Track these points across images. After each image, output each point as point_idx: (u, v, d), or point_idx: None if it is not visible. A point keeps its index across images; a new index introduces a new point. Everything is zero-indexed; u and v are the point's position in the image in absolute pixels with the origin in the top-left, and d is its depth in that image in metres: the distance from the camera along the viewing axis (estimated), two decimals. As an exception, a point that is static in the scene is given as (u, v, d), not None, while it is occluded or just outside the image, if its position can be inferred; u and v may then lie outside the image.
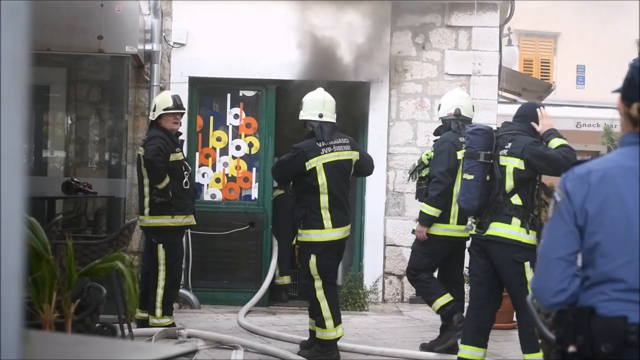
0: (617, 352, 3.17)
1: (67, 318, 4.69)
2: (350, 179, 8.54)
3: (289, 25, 11.23)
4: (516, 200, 7.28)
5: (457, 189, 8.40)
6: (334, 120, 8.44)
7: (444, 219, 8.57)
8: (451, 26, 11.78)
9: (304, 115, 8.43)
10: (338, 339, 8.31)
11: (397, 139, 11.58)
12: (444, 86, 11.41)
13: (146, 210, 9.20)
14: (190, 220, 9.30)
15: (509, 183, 7.29)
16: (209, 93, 11.92)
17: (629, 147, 3.34)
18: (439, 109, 9.02)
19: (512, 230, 7.22)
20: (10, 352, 1.55)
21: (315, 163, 8.22)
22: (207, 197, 11.57)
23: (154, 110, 9.27)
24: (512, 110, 9.34)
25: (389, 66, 11.63)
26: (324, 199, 8.23)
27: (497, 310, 7.75)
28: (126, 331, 7.96)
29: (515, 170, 7.26)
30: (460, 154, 8.40)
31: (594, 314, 3.24)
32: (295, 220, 8.48)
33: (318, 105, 8.41)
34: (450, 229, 8.58)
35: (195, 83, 11.60)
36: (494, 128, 7.98)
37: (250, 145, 11.64)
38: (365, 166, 8.65)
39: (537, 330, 3.92)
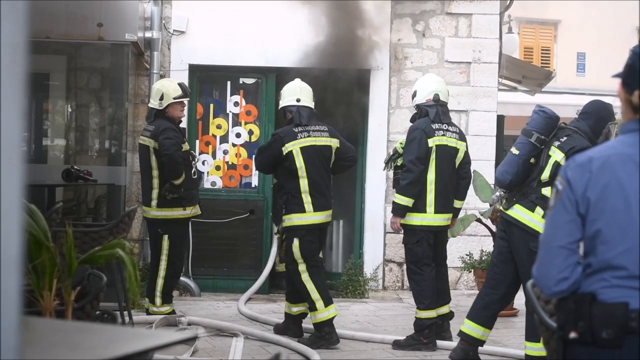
0: (618, 338, 3.17)
1: (67, 305, 4.70)
2: (330, 166, 8.64)
3: (288, 13, 11.21)
4: (546, 192, 7.21)
5: (430, 177, 8.36)
6: (312, 106, 8.66)
7: (420, 208, 8.37)
8: (451, 13, 11.76)
9: (282, 103, 8.71)
10: (332, 318, 8.37)
11: (397, 126, 11.57)
12: (445, 73, 11.39)
13: (153, 202, 8.98)
14: (197, 210, 9.26)
15: (546, 174, 7.24)
16: (209, 81, 11.92)
17: (629, 135, 3.34)
18: (413, 96, 8.72)
19: (533, 218, 7.23)
20: (9, 338, 1.56)
21: (292, 147, 8.41)
22: (207, 184, 11.57)
23: (162, 99, 8.99)
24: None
25: (389, 54, 11.62)
26: (303, 183, 8.42)
27: (509, 298, 7.87)
28: (127, 319, 7.99)
29: (556, 164, 7.17)
30: (431, 142, 8.35)
31: (595, 300, 3.25)
32: (278, 208, 8.65)
33: (295, 92, 8.66)
34: (427, 218, 8.40)
35: (195, 71, 11.58)
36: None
37: (251, 132, 11.64)
38: (346, 153, 8.74)
39: (537, 317, 3.93)
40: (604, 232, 3.26)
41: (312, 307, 8.36)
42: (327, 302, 8.37)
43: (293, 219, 8.44)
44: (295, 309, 8.74)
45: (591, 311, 3.22)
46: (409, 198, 8.34)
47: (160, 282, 9.09)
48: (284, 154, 8.40)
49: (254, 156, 9.31)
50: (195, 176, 9.25)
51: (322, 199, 8.52)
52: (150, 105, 9.19)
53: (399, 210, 8.42)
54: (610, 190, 3.26)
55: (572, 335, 3.26)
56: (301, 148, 8.42)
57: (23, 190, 1.59)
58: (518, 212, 7.31)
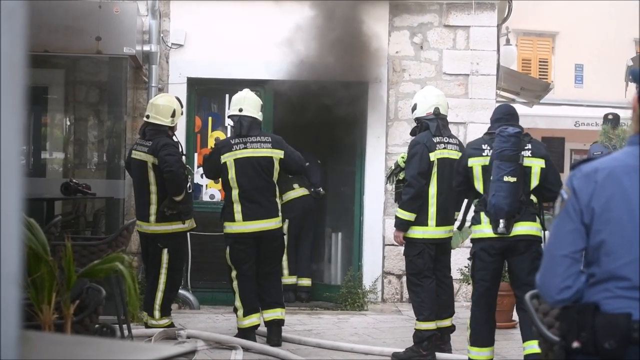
0: (620, 349, 3.18)
1: (67, 319, 4.70)
2: (273, 176, 8.89)
3: (286, 26, 11.21)
4: (534, 198, 7.54)
5: (432, 190, 8.39)
6: (256, 116, 8.92)
7: (422, 221, 8.41)
8: (449, 26, 11.78)
9: (228, 112, 9.18)
10: (254, 327, 8.80)
11: (396, 138, 11.58)
12: (442, 86, 11.40)
13: (152, 217, 9.03)
14: (193, 223, 9.31)
15: (534, 183, 7.50)
16: (207, 94, 11.93)
17: (635, 147, 3.35)
18: (413, 109, 8.72)
19: (536, 227, 7.53)
20: (9, 353, 1.56)
21: (226, 158, 8.78)
22: (205, 197, 11.57)
23: (173, 116, 9.12)
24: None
25: (387, 66, 11.64)
26: (234, 193, 8.78)
27: None
28: (126, 332, 7.98)
29: (542, 170, 7.50)
30: (433, 156, 8.38)
31: (598, 310, 3.25)
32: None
33: (239, 102, 8.94)
34: (428, 232, 8.44)
35: (194, 84, 11.60)
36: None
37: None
38: (291, 165, 9.02)
39: (535, 329, 3.93)
40: (608, 242, 3.27)
41: (236, 313, 8.85)
42: (248, 312, 8.75)
43: (225, 227, 8.87)
44: (266, 315, 8.93)
45: (594, 321, 3.22)
46: (411, 213, 8.38)
47: (159, 295, 9.11)
48: (221, 163, 8.79)
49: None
50: (191, 190, 9.29)
51: (256, 208, 8.77)
52: (157, 121, 9.13)
53: (401, 225, 8.46)
54: (615, 201, 3.27)
55: (575, 345, 3.26)
56: (235, 160, 8.75)
57: (22, 204, 1.59)
58: (523, 228, 7.46)
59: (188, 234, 9.60)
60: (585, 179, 3.34)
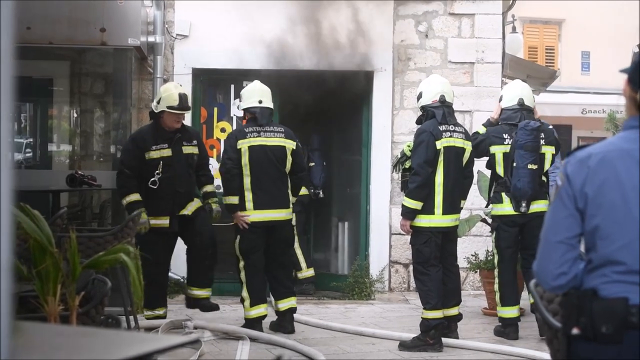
0: (618, 333, 3.17)
1: (72, 310, 4.70)
2: (287, 167, 8.89)
3: (291, 16, 11.20)
4: (544, 179, 9.00)
5: (438, 179, 8.38)
6: (272, 107, 9.03)
7: (428, 210, 8.39)
8: (454, 14, 11.76)
9: (243, 104, 8.97)
10: (260, 317, 8.83)
11: (401, 127, 11.57)
12: (448, 74, 11.39)
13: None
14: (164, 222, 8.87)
15: (547, 167, 8.96)
16: (213, 84, 11.92)
17: (630, 131, 3.34)
18: (419, 97, 8.71)
19: (547, 204, 8.35)
20: (3, 342, 1.55)
21: (241, 145, 8.75)
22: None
23: (158, 103, 8.81)
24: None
25: (392, 55, 11.62)
26: (247, 181, 8.77)
27: None
28: (132, 323, 7.98)
29: (553, 155, 8.99)
30: (439, 144, 8.37)
31: (596, 295, 3.25)
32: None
33: (257, 93, 8.95)
34: (435, 220, 8.43)
35: (199, 74, 11.59)
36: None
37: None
38: (297, 160, 9.00)
39: (540, 316, 3.92)
40: (603, 227, 3.26)
41: (243, 303, 8.87)
42: (256, 303, 8.78)
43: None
44: (281, 305, 9.00)
45: (592, 307, 3.22)
46: (418, 201, 8.37)
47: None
48: (237, 149, 8.76)
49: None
50: (156, 186, 8.78)
51: (267, 197, 8.79)
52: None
53: (408, 214, 8.44)
54: (608, 186, 3.26)
55: (575, 331, 3.25)
56: (249, 147, 8.73)
57: (12, 196, 1.58)
58: (539, 206, 8.74)
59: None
60: (579, 164, 3.33)
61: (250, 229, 8.75)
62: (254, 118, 8.86)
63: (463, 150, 8.58)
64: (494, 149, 8.96)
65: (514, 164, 8.77)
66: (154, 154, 8.74)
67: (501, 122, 9.07)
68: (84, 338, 2.53)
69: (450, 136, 8.46)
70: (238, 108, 9.26)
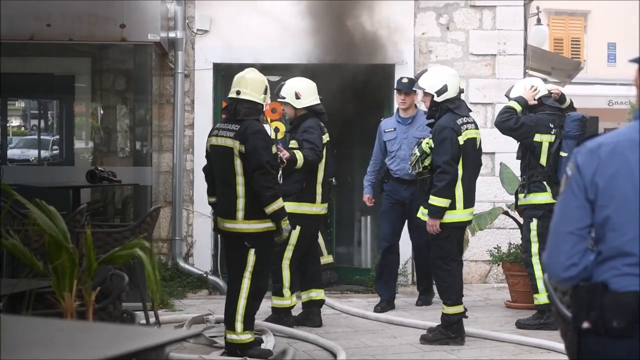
0: (629, 328, 3.13)
1: (88, 306, 4.72)
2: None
3: (312, 9, 11.17)
4: None
5: (459, 172, 8.27)
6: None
7: (451, 205, 8.25)
8: (475, 6, 11.68)
9: (307, 102, 9.13)
10: (291, 307, 9.02)
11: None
12: (469, 67, 11.35)
13: (240, 214, 7.66)
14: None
15: None
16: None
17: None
18: (443, 91, 8.33)
19: None
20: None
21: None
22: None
23: (265, 93, 8.01)
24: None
25: (413, 48, 11.57)
26: (320, 176, 8.98)
27: None
28: (153, 319, 7.98)
29: None
30: (461, 139, 8.25)
31: (607, 289, 3.20)
32: None
33: (314, 90, 9.18)
34: (457, 215, 8.31)
35: (220, 69, 11.58)
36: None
37: (277, 130, 11.59)
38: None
39: (554, 308, 3.88)
40: (613, 218, 3.21)
41: (277, 294, 8.97)
42: (292, 293, 9.00)
43: (300, 207, 8.90)
44: (313, 294, 9.15)
45: (602, 301, 3.17)
46: (447, 199, 8.23)
47: (242, 303, 7.75)
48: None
49: None
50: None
51: (326, 193, 9.09)
52: (252, 98, 8.00)
53: (437, 213, 8.24)
54: (620, 177, 3.21)
55: (585, 325, 3.21)
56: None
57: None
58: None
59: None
60: (589, 154, 3.28)
61: (314, 221, 9.06)
62: (321, 114, 9.11)
63: (477, 140, 8.50)
64: (541, 137, 9.01)
65: (561, 154, 8.89)
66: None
67: (541, 111, 9.12)
68: (84, 333, 2.53)
69: (467, 129, 8.34)
70: (296, 106, 9.09)
